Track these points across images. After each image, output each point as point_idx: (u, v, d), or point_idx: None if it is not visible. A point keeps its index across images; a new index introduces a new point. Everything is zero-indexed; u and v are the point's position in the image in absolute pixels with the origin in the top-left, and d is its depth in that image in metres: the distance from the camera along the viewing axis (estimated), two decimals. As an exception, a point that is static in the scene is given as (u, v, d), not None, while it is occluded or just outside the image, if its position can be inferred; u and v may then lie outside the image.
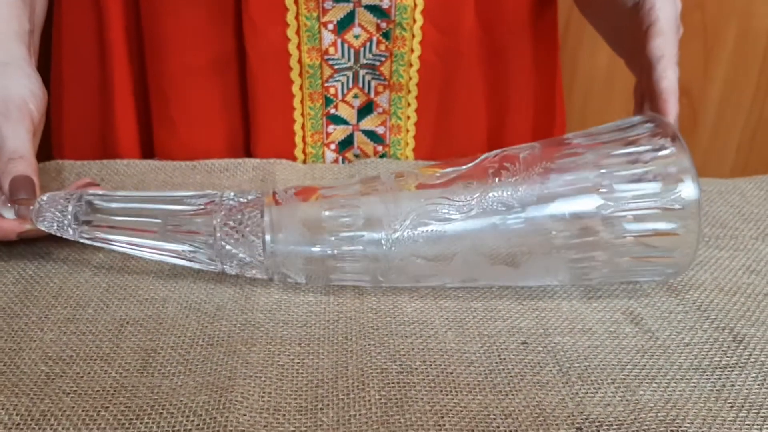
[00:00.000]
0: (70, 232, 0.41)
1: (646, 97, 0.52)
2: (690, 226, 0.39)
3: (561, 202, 0.39)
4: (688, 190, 0.38)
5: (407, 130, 0.61)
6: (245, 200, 0.41)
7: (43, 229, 0.41)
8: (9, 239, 0.42)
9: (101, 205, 0.41)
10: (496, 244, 0.39)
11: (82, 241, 0.41)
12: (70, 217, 0.41)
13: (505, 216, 0.39)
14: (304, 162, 0.61)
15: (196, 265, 0.41)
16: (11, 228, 0.42)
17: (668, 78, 0.48)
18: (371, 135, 0.61)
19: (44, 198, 0.41)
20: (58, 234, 0.41)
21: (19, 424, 0.31)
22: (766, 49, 0.90)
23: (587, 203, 0.39)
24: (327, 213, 0.40)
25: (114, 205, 0.41)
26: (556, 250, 0.39)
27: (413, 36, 0.57)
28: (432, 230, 0.39)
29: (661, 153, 0.39)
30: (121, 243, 0.41)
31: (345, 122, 0.61)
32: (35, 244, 0.45)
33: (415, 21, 0.57)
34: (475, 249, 0.39)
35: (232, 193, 0.41)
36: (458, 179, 0.40)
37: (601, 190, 0.38)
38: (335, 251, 0.40)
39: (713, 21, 0.87)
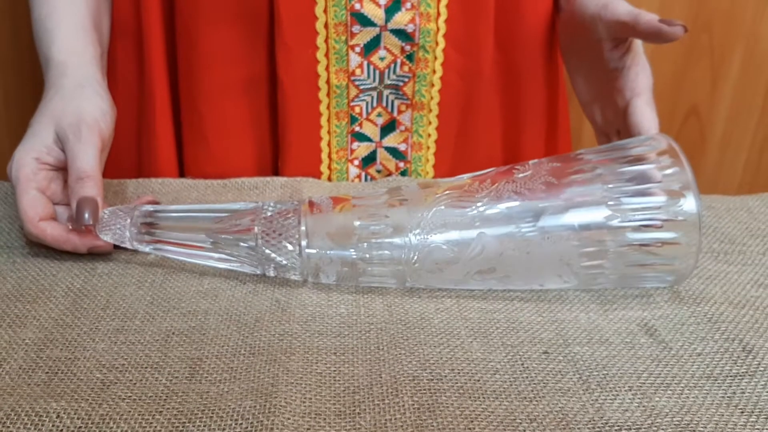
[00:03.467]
0: (129, 241, 0.46)
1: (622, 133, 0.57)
2: (690, 236, 0.42)
3: (572, 213, 0.42)
4: (689, 203, 0.41)
5: (428, 147, 0.64)
6: (284, 209, 0.45)
7: (107, 239, 0.46)
8: (78, 252, 0.47)
9: (158, 217, 0.46)
10: (511, 245, 0.42)
11: (140, 249, 0.46)
12: (129, 228, 0.46)
13: (519, 225, 0.42)
14: (329, 177, 0.64)
15: (240, 268, 0.45)
16: (82, 243, 0.46)
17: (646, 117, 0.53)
18: (393, 152, 0.64)
19: (106, 212, 0.46)
20: (120, 244, 0.46)
21: (80, 427, 0.33)
22: (771, 69, 0.93)
23: (597, 214, 0.42)
24: (357, 222, 0.43)
25: (169, 215, 0.46)
26: (567, 257, 0.42)
27: (435, 58, 0.60)
28: (452, 219, 0.42)
29: (665, 169, 0.42)
30: (175, 250, 0.46)
31: (369, 139, 0.63)
32: (81, 260, 0.48)
33: (437, 44, 0.60)
34: (493, 241, 0.42)
35: (272, 204, 0.45)
36: (476, 179, 0.44)
37: (609, 203, 0.42)
38: (365, 254, 0.43)
39: (720, 42, 0.89)
